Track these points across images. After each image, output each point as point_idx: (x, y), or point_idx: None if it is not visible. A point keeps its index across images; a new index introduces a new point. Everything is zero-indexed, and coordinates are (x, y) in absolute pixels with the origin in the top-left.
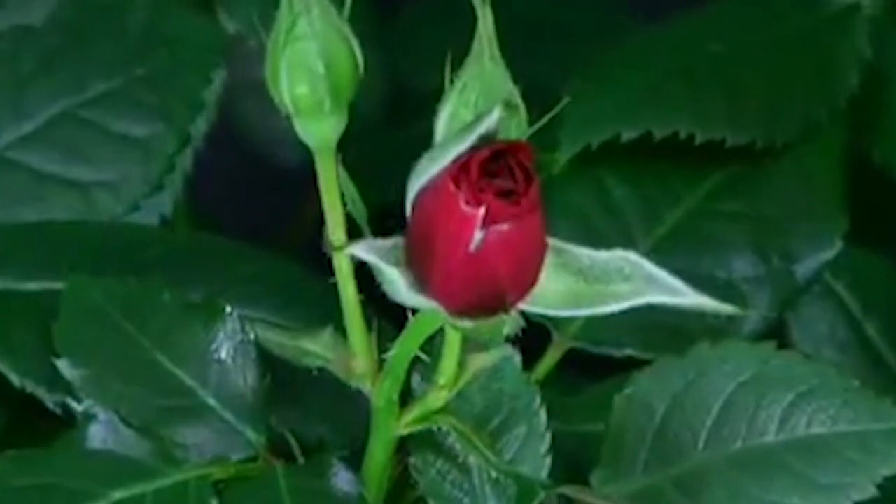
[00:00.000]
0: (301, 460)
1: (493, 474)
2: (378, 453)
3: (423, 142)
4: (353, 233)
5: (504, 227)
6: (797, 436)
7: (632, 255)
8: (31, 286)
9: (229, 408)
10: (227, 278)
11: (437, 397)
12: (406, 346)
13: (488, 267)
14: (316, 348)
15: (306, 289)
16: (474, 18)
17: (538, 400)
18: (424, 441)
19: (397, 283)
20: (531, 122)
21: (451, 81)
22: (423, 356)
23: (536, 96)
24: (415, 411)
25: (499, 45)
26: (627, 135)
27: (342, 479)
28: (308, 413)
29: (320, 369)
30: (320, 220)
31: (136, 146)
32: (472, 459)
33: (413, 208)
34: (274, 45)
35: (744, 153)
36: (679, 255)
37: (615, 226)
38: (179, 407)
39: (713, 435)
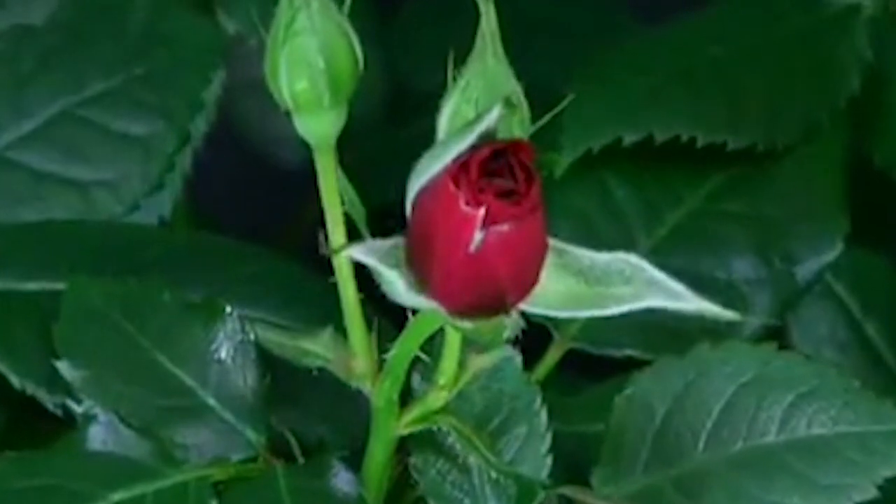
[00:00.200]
0: (301, 460)
1: (493, 475)
2: (378, 453)
3: (423, 141)
4: (354, 231)
5: (504, 227)
6: (798, 436)
7: (633, 258)
8: (31, 286)
9: (229, 408)
10: (227, 278)
11: (437, 397)
12: (406, 346)
13: (488, 268)
14: (316, 348)
15: (306, 288)
16: (474, 17)
17: (539, 400)
18: (425, 441)
19: (396, 285)
20: (531, 122)
21: (454, 79)
22: (424, 356)
23: (536, 96)
24: (415, 411)
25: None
26: (629, 138)
27: (342, 479)
28: (308, 413)
29: (320, 369)
30: (320, 220)
31: (135, 145)
32: (473, 460)
33: (413, 208)
34: (273, 41)
35: (745, 155)
36: (680, 256)
37: (616, 226)
38: (179, 407)
39: (714, 436)
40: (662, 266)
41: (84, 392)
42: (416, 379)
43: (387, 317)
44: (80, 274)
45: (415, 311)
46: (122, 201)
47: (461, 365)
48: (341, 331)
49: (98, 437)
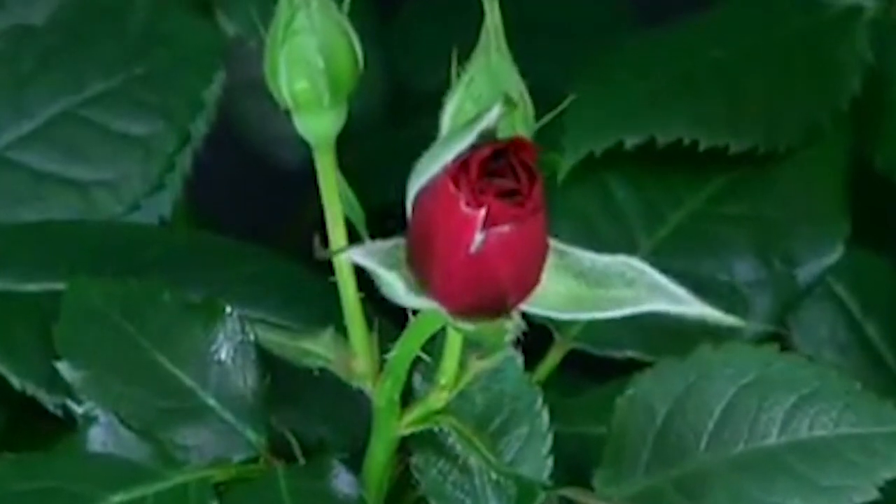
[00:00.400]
0: (302, 461)
1: (494, 476)
2: (379, 453)
3: (424, 141)
4: (354, 230)
5: (505, 229)
6: (799, 438)
7: (635, 262)
8: (31, 287)
9: (229, 408)
10: (228, 278)
11: (438, 398)
12: (407, 346)
13: (489, 269)
14: (317, 349)
15: (307, 288)
16: (475, 17)
17: (540, 401)
18: (426, 441)
19: (395, 287)
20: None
21: (457, 75)
22: (425, 356)
23: (537, 96)
24: (416, 411)
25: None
26: (630, 142)
27: (343, 480)
28: (309, 413)
29: (321, 369)
30: (320, 220)
31: (135, 145)
32: (473, 460)
33: (413, 208)
34: (273, 40)
35: (746, 157)
36: (681, 258)
37: (617, 228)
38: (180, 408)
39: (715, 437)
40: (663, 268)
41: (84, 393)
42: (417, 379)
43: (388, 316)
44: (80, 274)
45: (416, 311)
46: (122, 201)
47: (462, 365)
48: (342, 331)
49: (98, 438)
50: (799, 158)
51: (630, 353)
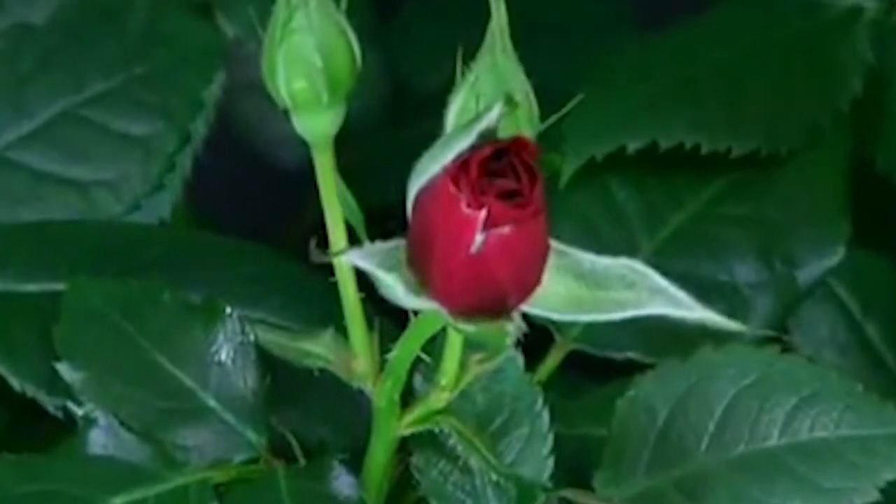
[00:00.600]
0: (302, 461)
1: (494, 477)
2: (379, 454)
3: (424, 142)
4: (354, 231)
5: (505, 230)
6: (800, 439)
7: (637, 265)
8: (31, 287)
9: (230, 409)
10: (228, 278)
11: (438, 398)
12: (407, 346)
13: (489, 269)
14: (317, 349)
15: (307, 288)
16: (475, 16)
17: (540, 401)
18: (426, 441)
19: (394, 288)
20: None
21: (462, 75)
22: (425, 357)
23: (537, 96)
24: (416, 412)
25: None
26: (632, 146)
27: (343, 482)
28: (309, 414)
29: (321, 370)
30: (320, 221)
31: (135, 145)
32: (474, 461)
33: (413, 209)
34: (271, 40)
35: (747, 159)
36: (682, 259)
37: (618, 229)
38: (180, 409)
39: (716, 438)
40: (664, 269)
41: (84, 394)
42: (417, 379)
43: (388, 316)
44: (80, 274)
45: (416, 312)
46: (122, 201)
47: (462, 365)
48: (342, 331)
49: (98, 441)
50: (800, 160)
51: (630, 355)
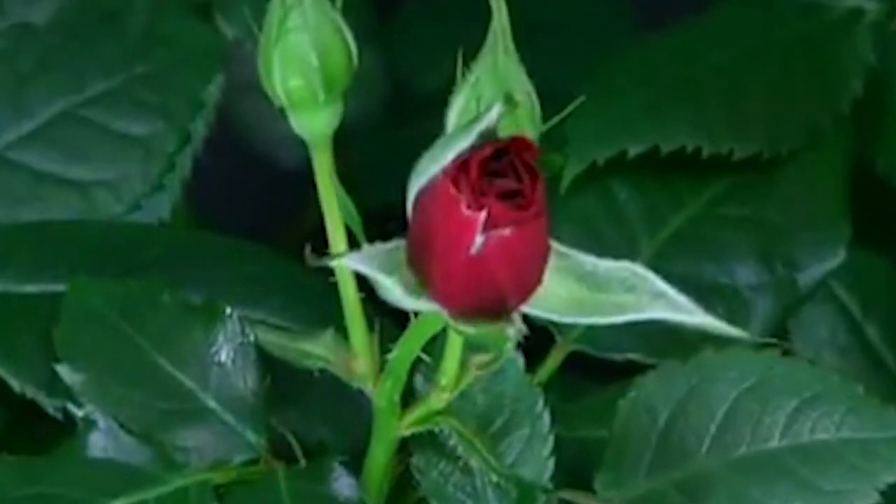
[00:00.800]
0: (302, 462)
1: (494, 478)
2: (379, 454)
3: (424, 142)
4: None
5: (505, 231)
6: (801, 442)
7: (638, 268)
8: (31, 288)
9: (230, 410)
10: (228, 278)
11: (438, 398)
12: (408, 347)
13: (489, 271)
14: (317, 350)
15: (307, 289)
16: (475, 17)
17: (541, 402)
18: (427, 442)
19: (393, 291)
20: None
21: (463, 76)
22: (425, 357)
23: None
24: (416, 412)
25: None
26: (633, 150)
27: (343, 483)
28: (309, 414)
29: (321, 370)
30: (320, 221)
31: (136, 145)
32: (474, 462)
33: (413, 209)
34: (266, 38)
35: (748, 160)
36: (682, 261)
37: (619, 230)
38: (180, 410)
39: (717, 440)
40: (665, 270)
41: (84, 395)
42: (418, 380)
43: (388, 317)
44: (80, 275)
45: (416, 312)
46: (122, 201)
47: (463, 366)
48: (342, 331)
49: (98, 444)
50: (800, 162)
51: (631, 356)
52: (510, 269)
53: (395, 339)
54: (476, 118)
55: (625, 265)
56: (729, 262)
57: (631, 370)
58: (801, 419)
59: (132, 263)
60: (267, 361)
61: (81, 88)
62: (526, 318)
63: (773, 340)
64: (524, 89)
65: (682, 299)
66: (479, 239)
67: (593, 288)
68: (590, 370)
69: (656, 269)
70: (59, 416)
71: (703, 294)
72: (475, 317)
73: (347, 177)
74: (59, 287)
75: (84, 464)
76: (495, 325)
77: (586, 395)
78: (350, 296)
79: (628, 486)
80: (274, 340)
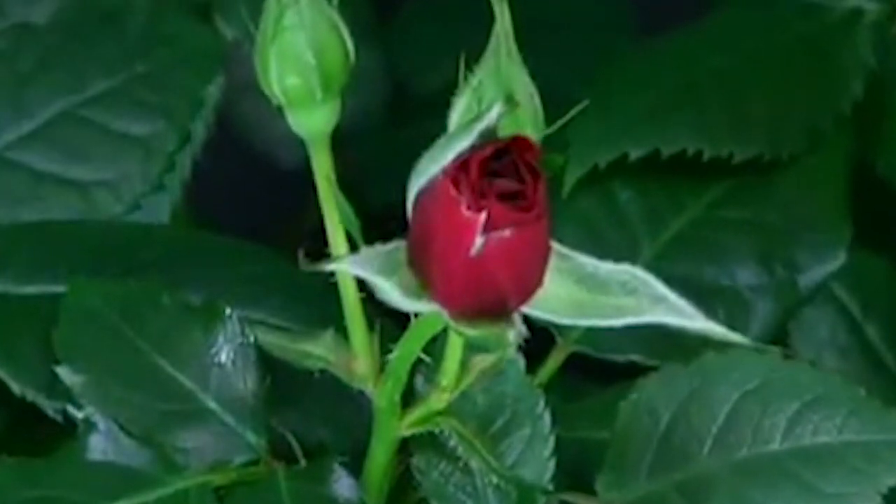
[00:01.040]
0: (303, 462)
1: (494, 478)
2: (380, 454)
3: (424, 142)
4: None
5: (506, 233)
6: (803, 444)
7: (639, 272)
8: (31, 289)
9: (230, 411)
10: (228, 278)
11: (439, 399)
12: (408, 347)
13: (489, 272)
14: (317, 350)
15: (307, 289)
16: (475, 17)
17: (542, 403)
18: (427, 442)
19: (391, 293)
20: None
21: (465, 78)
22: (426, 357)
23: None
24: (417, 412)
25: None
26: (634, 154)
27: (343, 484)
28: (309, 415)
29: (321, 371)
30: (320, 221)
31: (136, 145)
32: (474, 462)
33: (413, 209)
34: (263, 37)
35: (749, 163)
36: (683, 263)
37: (620, 231)
38: (180, 411)
39: (719, 442)
40: (666, 272)
41: (84, 397)
42: (418, 380)
43: (389, 317)
44: (79, 275)
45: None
46: (122, 201)
47: (463, 366)
48: (342, 331)
49: (98, 446)
50: (801, 164)
51: (632, 358)
52: (510, 270)
53: (395, 339)
54: (476, 117)
55: (625, 268)
56: (729, 264)
57: (631, 371)
58: (803, 422)
59: (132, 263)
60: (267, 362)
61: (81, 88)
62: (526, 319)
63: (775, 344)
64: (527, 92)
65: (682, 304)
66: (479, 240)
67: (593, 290)
68: (590, 371)
69: (657, 271)
70: (59, 418)
71: (704, 296)
72: (475, 317)
73: (347, 177)
74: (59, 288)
75: (84, 466)
76: (496, 325)
77: (587, 396)
78: (350, 296)
79: (629, 487)
80: (274, 341)
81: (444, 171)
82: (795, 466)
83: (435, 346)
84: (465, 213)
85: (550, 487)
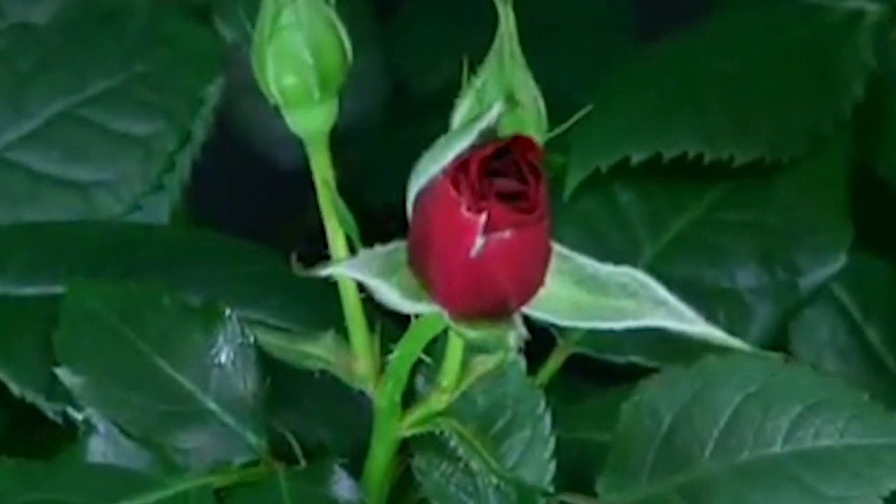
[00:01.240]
0: (303, 463)
1: (494, 480)
2: (380, 455)
3: (424, 142)
4: (357, 223)
5: (506, 234)
6: (804, 448)
7: (639, 274)
8: (30, 290)
9: (230, 412)
10: (228, 278)
11: (439, 399)
12: (408, 348)
13: (490, 273)
14: (317, 351)
15: (307, 289)
16: (475, 17)
17: (542, 404)
18: (428, 443)
19: (388, 295)
20: None
21: (468, 80)
22: (426, 358)
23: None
24: (417, 413)
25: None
26: (636, 158)
27: (344, 485)
28: (309, 415)
29: (322, 371)
30: (319, 221)
31: (135, 145)
32: (474, 463)
33: (414, 209)
34: (260, 37)
35: (750, 165)
36: (684, 264)
37: (621, 232)
38: (180, 412)
39: (720, 445)
40: (666, 273)
41: (84, 399)
42: (419, 381)
43: (389, 317)
44: (79, 276)
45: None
46: (122, 201)
47: (464, 366)
48: (343, 332)
49: (98, 449)
50: (801, 166)
51: (632, 359)
52: (511, 271)
53: (395, 339)
54: (476, 117)
55: (626, 270)
56: (730, 266)
57: (632, 373)
58: (805, 425)
59: (132, 264)
60: (267, 362)
61: (81, 88)
62: (527, 320)
63: (775, 345)
64: (531, 94)
65: (683, 308)
66: (479, 241)
67: (594, 292)
68: (591, 372)
69: (658, 272)
70: (59, 419)
71: (704, 298)
72: (476, 318)
73: (347, 177)
74: (59, 289)
75: (84, 469)
76: (496, 326)
77: (587, 397)
78: (350, 296)
79: (630, 489)
80: (274, 342)
81: (444, 172)
82: (797, 470)
83: (435, 346)
84: (465, 214)
85: (551, 489)
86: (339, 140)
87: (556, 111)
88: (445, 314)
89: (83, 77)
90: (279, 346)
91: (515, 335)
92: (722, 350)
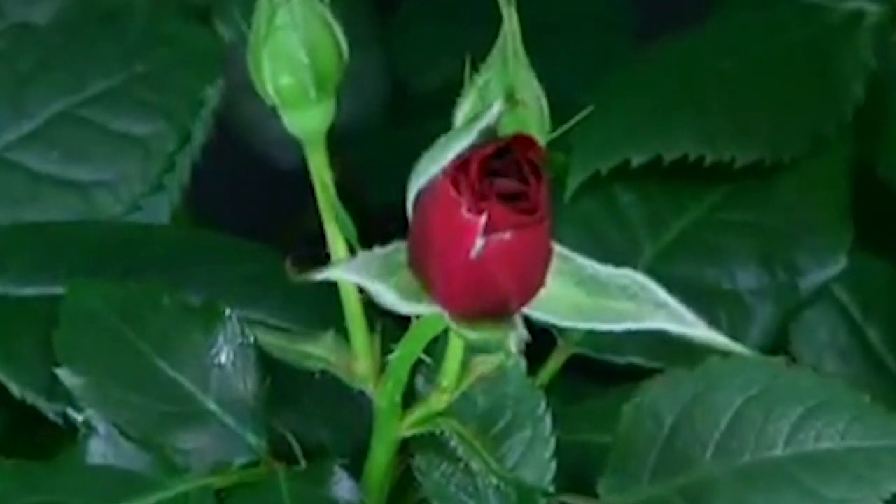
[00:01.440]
0: (303, 463)
1: (494, 480)
2: (380, 455)
3: (424, 142)
4: (357, 222)
5: (506, 235)
6: (805, 450)
7: (639, 276)
8: (30, 291)
9: (230, 412)
10: (228, 278)
11: (439, 399)
12: (409, 348)
13: (490, 274)
14: (318, 351)
15: (307, 289)
16: (474, 17)
17: (543, 404)
18: (428, 443)
19: (387, 297)
20: None
21: (470, 79)
22: (426, 358)
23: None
24: (417, 413)
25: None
26: (637, 160)
27: (344, 485)
28: (309, 415)
29: (322, 371)
30: (319, 221)
31: (136, 145)
32: (474, 464)
33: (414, 209)
34: (255, 37)
35: (750, 166)
36: (684, 265)
37: (622, 232)
38: (180, 412)
39: (721, 447)
40: (667, 274)
41: (84, 399)
42: (419, 381)
43: (389, 317)
44: (79, 276)
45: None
46: (122, 201)
47: (464, 366)
48: (343, 332)
49: (98, 451)
50: (801, 167)
51: (633, 360)
52: (511, 271)
53: (396, 339)
54: (477, 116)
55: (626, 272)
56: (730, 267)
57: (632, 374)
58: (806, 427)
59: (132, 264)
60: (267, 363)
61: (81, 88)
62: (527, 321)
63: (775, 346)
64: (534, 94)
65: (683, 310)
66: (479, 242)
67: (594, 293)
68: (591, 373)
69: (658, 273)
70: (60, 420)
71: (705, 298)
72: (476, 319)
73: (346, 177)
74: (59, 289)
75: (84, 470)
76: (497, 327)
77: (588, 398)
78: (351, 297)
79: (631, 491)
80: (274, 342)
81: (444, 172)
82: (798, 472)
83: (436, 346)
84: (465, 214)
85: (551, 489)
86: (338, 140)
87: (555, 111)
88: (446, 315)
89: (83, 77)
90: (279, 346)
91: (516, 336)
92: (723, 352)
